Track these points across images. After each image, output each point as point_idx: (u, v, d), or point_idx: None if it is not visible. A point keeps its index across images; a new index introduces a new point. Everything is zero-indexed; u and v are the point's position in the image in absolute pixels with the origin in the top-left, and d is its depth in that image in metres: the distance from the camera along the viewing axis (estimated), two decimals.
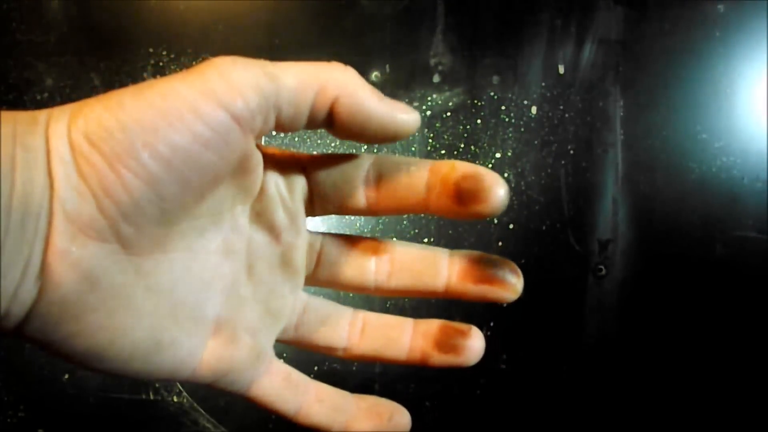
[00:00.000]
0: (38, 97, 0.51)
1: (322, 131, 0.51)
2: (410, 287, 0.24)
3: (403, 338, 0.25)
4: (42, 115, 0.18)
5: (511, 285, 0.23)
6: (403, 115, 0.21)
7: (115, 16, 0.51)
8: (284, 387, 0.24)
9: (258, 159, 0.21)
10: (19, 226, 0.17)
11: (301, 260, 0.24)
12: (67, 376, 0.51)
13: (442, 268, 0.24)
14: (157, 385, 0.50)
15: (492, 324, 0.51)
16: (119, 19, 0.51)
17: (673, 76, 0.51)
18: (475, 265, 0.24)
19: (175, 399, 0.50)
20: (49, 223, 0.18)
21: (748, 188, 0.50)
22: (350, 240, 0.25)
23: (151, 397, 0.50)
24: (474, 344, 0.24)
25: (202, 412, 0.51)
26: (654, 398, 0.50)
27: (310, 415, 0.24)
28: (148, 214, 0.19)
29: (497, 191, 0.21)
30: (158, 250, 0.20)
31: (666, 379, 0.50)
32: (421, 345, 0.24)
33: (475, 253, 0.24)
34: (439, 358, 0.24)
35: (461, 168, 0.22)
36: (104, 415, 0.50)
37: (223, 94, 0.18)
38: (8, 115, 0.18)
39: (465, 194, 0.21)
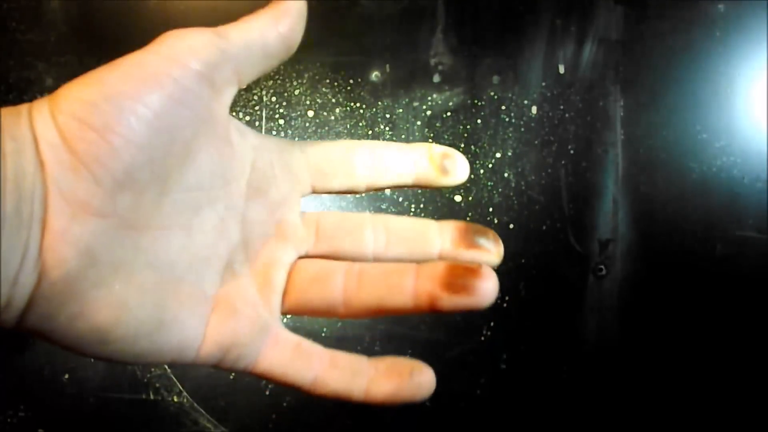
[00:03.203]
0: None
1: (322, 132, 0.51)
2: (407, 255, 0.25)
3: (407, 283, 0.23)
4: (23, 106, 0.20)
5: (497, 251, 0.25)
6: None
7: (115, 16, 0.51)
8: (295, 357, 0.23)
9: (237, 125, 0.23)
10: (14, 213, 0.18)
11: (295, 234, 0.24)
12: (67, 376, 0.50)
13: (435, 236, 0.25)
14: (157, 385, 0.50)
15: (492, 324, 0.51)
16: (119, 19, 0.51)
17: (673, 76, 0.51)
18: (464, 233, 0.25)
19: (175, 399, 0.50)
20: (45, 206, 0.18)
21: (748, 188, 0.50)
22: (345, 214, 0.26)
23: (151, 397, 0.50)
24: (487, 283, 0.22)
25: (202, 412, 0.51)
26: (654, 398, 0.50)
27: (328, 382, 0.22)
28: (142, 180, 0.20)
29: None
30: (155, 225, 0.21)
31: (666, 379, 0.50)
32: (427, 288, 0.22)
33: (460, 222, 0.25)
34: (449, 300, 0.22)
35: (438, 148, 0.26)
36: (104, 415, 0.50)
37: (186, 56, 0.20)
38: None
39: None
